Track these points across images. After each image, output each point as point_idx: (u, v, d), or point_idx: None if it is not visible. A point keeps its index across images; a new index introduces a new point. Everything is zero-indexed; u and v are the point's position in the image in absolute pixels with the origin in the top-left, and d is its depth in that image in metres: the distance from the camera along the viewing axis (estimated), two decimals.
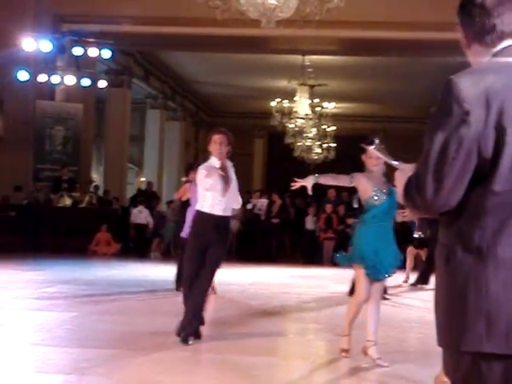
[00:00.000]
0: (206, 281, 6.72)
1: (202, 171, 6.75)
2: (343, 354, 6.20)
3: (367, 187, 5.98)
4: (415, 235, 13.01)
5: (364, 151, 5.86)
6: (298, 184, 6.07)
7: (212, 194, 6.74)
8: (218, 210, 6.75)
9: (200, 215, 6.86)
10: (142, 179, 27.99)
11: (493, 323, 2.09)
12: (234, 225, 15.71)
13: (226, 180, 6.76)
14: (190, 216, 10.49)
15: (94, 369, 5.48)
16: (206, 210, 6.79)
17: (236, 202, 7.03)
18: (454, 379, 2.25)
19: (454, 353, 2.20)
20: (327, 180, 6.20)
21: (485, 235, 2.13)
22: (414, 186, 2.20)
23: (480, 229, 2.14)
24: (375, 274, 6.00)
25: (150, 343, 6.61)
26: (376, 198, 5.96)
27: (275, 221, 18.82)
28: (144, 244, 18.92)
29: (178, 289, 10.65)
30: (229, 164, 6.88)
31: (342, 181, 6.12)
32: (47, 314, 8.16)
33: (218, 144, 6.80)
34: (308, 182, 6.02)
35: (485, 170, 2.14)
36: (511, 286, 2.10)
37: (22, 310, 8.59)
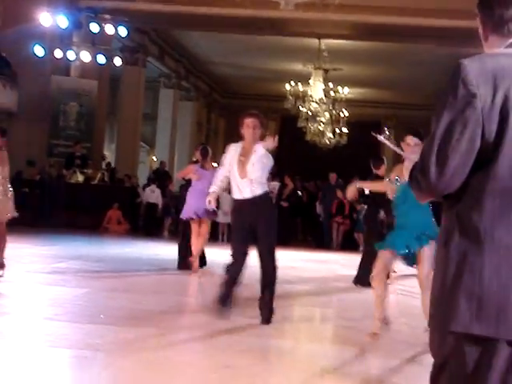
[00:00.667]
0: (270, 258, 6.66)
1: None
2: (369, 338, 6.28)
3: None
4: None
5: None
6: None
7: (233, 181, 6.76)
8: (246, 193, 6.70)
9: (234, 202, 6.92)
10: (154, 158, 28.01)
11: (484, 306, 2.12)
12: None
13: (242, 164, 6.70)
14: (190, 196, 10.46)
15: (106, 345, 5.52)
16: (236, 196, 6.81)
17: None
18: (439, 360, 2.28)
19: (442, 333, 2.22)
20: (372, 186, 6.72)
21: (483, 219, 2.15)
22: (419, 169, 2.23)
23: (478, 212, 2.16)
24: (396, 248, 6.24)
25: (161, 321, 6.66)
26: (397, 185, 6.19)
27: (284, 204, 18.82)
28: (154, 223, 18.97)
29: (179, 268, 10.75)
30: (258, 148, 6.68)
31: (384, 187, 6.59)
32: (59, 289, 8.23)
33: (251, 128, 6.68)
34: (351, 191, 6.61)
35: (487, 154, 2.15)
36: (505, 272, 2.12)
37: (34, 284, 8.66)
